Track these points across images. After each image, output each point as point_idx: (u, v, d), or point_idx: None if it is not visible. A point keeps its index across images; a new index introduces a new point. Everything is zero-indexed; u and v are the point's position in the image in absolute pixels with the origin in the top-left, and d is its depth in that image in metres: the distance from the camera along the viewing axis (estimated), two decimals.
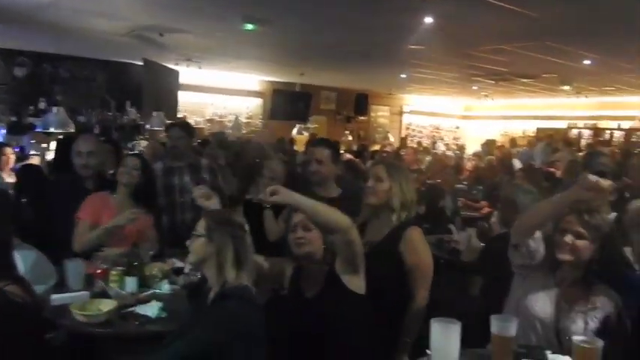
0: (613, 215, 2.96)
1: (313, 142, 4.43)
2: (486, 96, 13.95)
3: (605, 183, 1.86)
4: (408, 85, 13.18)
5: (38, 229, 3.21)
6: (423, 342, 1.83)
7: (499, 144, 12.79)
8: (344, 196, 3.03)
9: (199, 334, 1.83)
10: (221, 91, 12.39)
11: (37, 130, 7.66)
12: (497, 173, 7.03)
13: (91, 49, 9.34)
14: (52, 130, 7.02)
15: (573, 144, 11.99)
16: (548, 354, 1.88)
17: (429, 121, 16.84)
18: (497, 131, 15.49)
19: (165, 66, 9.75)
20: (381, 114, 15.68)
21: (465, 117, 17.34)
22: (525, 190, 3.30)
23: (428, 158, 9.71)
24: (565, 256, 2.06)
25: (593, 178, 1.86)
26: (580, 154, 8.91)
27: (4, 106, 9.30)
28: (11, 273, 2.02)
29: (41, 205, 3.52)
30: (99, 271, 2.67)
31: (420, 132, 16.57)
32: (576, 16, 5.50)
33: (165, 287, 2.69)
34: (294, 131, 11.99)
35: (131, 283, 2.62)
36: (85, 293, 2.52)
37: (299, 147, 9.51)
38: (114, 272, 2.64)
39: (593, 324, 2.03)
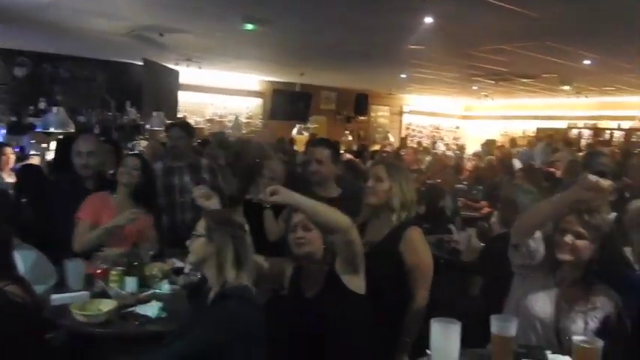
0: (613, 215, 2.96)
1: (313, 142, 4.43)
2: (486, 96, 13.94)
3: (605, 183, 1.86)
4: (408, 85, 13.18)
5: (38, 229, 3.22)
6: (423, 342, 1.83)
7: (499, 144, 12.80)
8: (344, 196, 3.03)
9: (199, 334, 1.83)
10: (221, 91, 12.39)
11: (37, 130, 7.66)
12: (497, 173, 7.03)
13: (91, 49, 9.34)
14: (52, 130, 7.02)
15: (573, 144, 11.99)
16: (548, 354, 1.88)
17: (429, 121, 16.84)
18: (498, 131, 15.49)
19: (165, 66, 9.74)
20: (381, 114, 15.68)
21: (464, 117, 17.34)
22: (525, 190, 3.30)
23: (428, 158, 9.71)
24: (565, 256, 2.06)
25: (593, 178, 1.87)
26: (580, 154, 8.91)
27: (4, 106, 9.30)
28: (11, 273, 2.02)
29: (41, 205, 3.52)
30: (99, 271, 2.67)
31: (420, 132, 16.56)
32: (576, 16, 5.50)
33: (165, 287, 2.69)
34: (294, 131, 11.99)
35: (131, 283, 2.62)
36: (85, 293, 2.52)
37: (299, 147, 9.51)
38: (114, 272, 2.64)
39: (593, 324, 2.03)
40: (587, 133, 13.75)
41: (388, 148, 11.07)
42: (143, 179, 3.14)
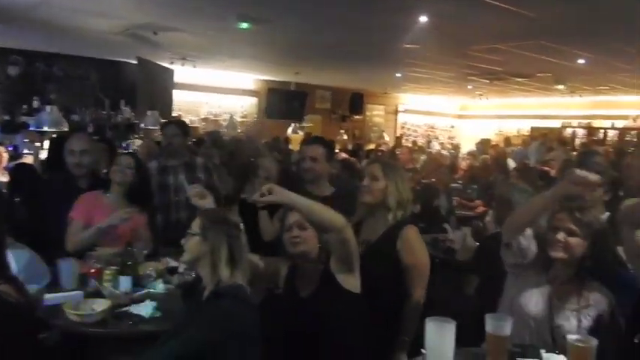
0: (607, 215, 2.97)
1: (308, 140, 4.42)
2: (481, 95, 13.98)
3: (593, 177, 1.88)
4: (403, 85, 13.20)
5: (31, 228, 3.19)
6: (419, 341, 1.83)
7: (494, 143, 12.83)
8: (337, 194, 3.02)
9: (193, 334, 1.82)
10: (216, 90, 12.35)
11: (30, 128, 7.61)
12: (492, 172, 7.04)
13: (84, 48, 9.29)
14: (45, 128, 6.96)
15: (567, 143, 12.04)
16: (543, 353, 1.88)
17: (424, 120, 16.87)
18: (492, 130, 15.53)
19: (159, 65, 9.71)
20: (376, 113, 15.69)
21: (460, 116, 17.38)
22: (520, 189, 3.30)
23: (423, 157, 9.72)
24: (558, 254, 2.07)
25: (581, 172, 1.89)
26: (574, 153, 8.94)
27: None
28: (4, 272, 2.00)
29: (34, 204, 3.50)
30: (92, 270, 2.66)
31: (415, 131, 16.59)
32: (570, 15, 5.51)
33: (159, 287, 2.68)
34: (289, 130, 11.98)
35: (125, 283, 2.60)
36: (78, 293, 2.50)
37: (294, 146, 9.50)
38: (108, 272, 2.62)
39: (587, 322, 2.05)
40: (581, 132, 13.81)
41: (383, 147, 11.08)
42: (137, 178, 3.13)
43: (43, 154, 5.72)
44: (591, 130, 13.62)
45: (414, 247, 2.46)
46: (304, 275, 2.25)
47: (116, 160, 3.21)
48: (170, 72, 10.20)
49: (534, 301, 2.12)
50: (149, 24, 6.87)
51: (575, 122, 14.05)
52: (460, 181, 7.22)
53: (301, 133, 11.66)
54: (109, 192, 3.10)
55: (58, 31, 7.58)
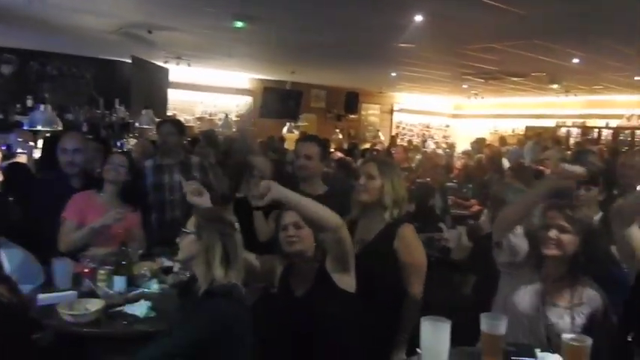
0: (601, 214, 2.98)
1: (303, 138, 4.41)
2: (476, 94, 14.00)
3: (579, 169, 1.94)
4: (399, 84, 13.20)
5: (25, 228, 3.18)
6: (414, 341, 1.83)
7: (488, 142, 12.85)
8: (329, 193, 3.02)
9: (185, 332, 1.82)
10: (211, 89, 12.32)
11: (24, 128, 7.57)
12: (487, 171, 7.05)
13: (79, 47, 9.24)
14: (39, 128, 6.95)
15: (562, 142, 12.07)
16: (538, 352, 1.89)
17: (420, 119, 16.88)
18: (487, 130, 15.56)
19: (154, 63, 9.68)
20: (371, 112, 15.69)
21: (455, 115, 17.40)
22: (515, 188, 3.31)
23: (418, 157, 9.73)
24: (551, 251, 2.09)
25: (567, 166, 1.95)
26: (569, 152, 8.97)
27: None
28: None
29: (28, 203, 3.48)
30: (87, 270, 2.65)
31: (411, 130, 16.60)
32: (565, 14, 5.52)
33: (153, 286, 2.67)
34: (285, 129, 11.96)
35: (119, 283, 2.59)
36: (72, 293, 2.50)
37: (289, 145, 9.49)
38: (102, 271, 2.62)
39: (580, 319, 2.06)
40: (575, 131, 13.84)
41: (378, 147, 11.07)
42: (130, 177, 3.12)
43: (37, 154, 5.69)
44: (586, 130, 13.66)
45: (412, 245, 2.46)
46: (299, 274, 2.24)
47: (109, 158, 3.20)
48: (165, 71, 10.17)
49: (527, 299, 2.13)
50: (144, 22, 6.84)
51: (569, 121, 14.09)
52: (455, 180, 7.24)
53: (296, 133, 11.64)
54: (102, 191, 3.08)
55: (52, 30, 7.54)
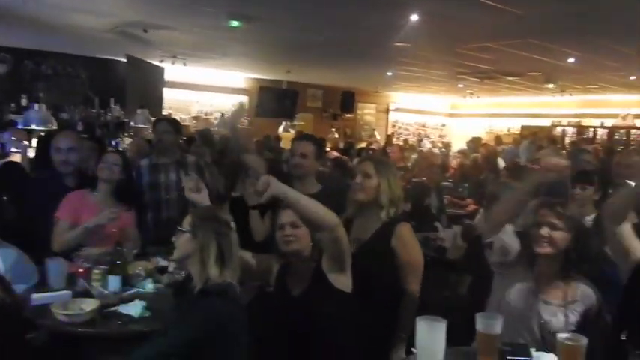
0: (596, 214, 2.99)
1: (299, 136, 4.41)
2: (472, 94, 14.03)
3: (564, 162, 2.02)
4: (395, 83, 13.21)
5: (20, 227, 3.16)
6: (410, 340, 1.83)
7: (484, 142, 12.87)
8: (323, 192, 3.00)
9: (180, 331, 1.82)
10: (207, 88, 12.30)
11: (18, 127, 7.53)
12: (483, 171, 7.07)
13: (74, 46, 9.21)
14: (33, 127, 6.91)
15: (557, 142, 12.10)
16: (533, 352, 1.89)
17: (416, 118, 16.90)
18: (483, 129, 15.58)
19: (149, 63, 9.65)
20: (367, 111, 15.69)
21: (450, 115, 17.43)
22: (511, 188, 3.31)
23: (414, 156, 9.73)
24: (544, 249, 2.10)
25: (551, 159, 2.01)
26: (564, 151, 8.99)
27: None
28: None
29: (22, 202, 3.47)
30: (81, 270, 2.64)
31: (407, 129, 16.62)
32: (561, 14, 5.53)
33: (148, 286, 2.66)
34: (281, 129, 11.94)
35: (114, 282, 2.58)
36: (67, 292, 2.48)
37: (285, 144, 9.47)
38: (96, 271, 2.60)
39: (574, 317, 2.07)
40: (570, 130, 13.88)
41: (374, 146, 11.07)
42: (124, 176, 3.10)
43: (31, 153, 5.67)
44: (581, 129, 13.70)
45: (409, 244, 2.47)
46: (296, 273, 2.24)
47: (103, 157, 3.19)
48: (160, 70, 10.14)
49: (520, 297, 2.14)
50: (139, 21, 6.82)
51: (565, 121, 14.13)
52: (451, 180, 7.24)
53: (292, 132, 11.63)
54: (97, 190, 3.06)
55: (47, 29, 7.51)
